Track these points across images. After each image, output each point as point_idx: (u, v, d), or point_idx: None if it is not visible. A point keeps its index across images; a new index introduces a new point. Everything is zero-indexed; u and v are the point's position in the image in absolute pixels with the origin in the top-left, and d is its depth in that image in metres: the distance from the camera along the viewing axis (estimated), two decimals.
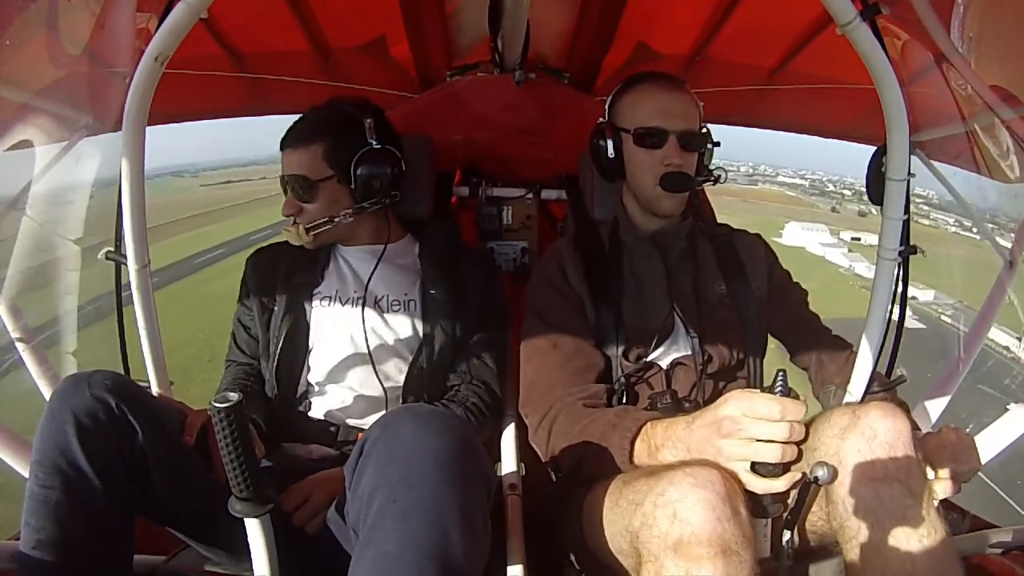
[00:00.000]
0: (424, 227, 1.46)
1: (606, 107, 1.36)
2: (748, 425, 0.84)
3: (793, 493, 0.89)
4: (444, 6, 1.72)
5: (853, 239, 55.84)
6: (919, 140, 1.34)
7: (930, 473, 0.99)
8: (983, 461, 1.12)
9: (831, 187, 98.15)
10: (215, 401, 0.68)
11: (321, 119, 1.32)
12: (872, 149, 1.21)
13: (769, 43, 1.85)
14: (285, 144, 1.32)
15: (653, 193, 1.28)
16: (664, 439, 0.95)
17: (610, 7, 1.71)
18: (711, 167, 1.34)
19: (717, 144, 1.32)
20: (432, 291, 1.34)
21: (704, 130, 1.31)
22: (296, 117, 1.35)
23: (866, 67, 1.02)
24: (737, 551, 0.76)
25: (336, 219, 1.31)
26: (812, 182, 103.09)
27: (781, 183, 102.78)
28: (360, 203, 1.31)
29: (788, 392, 0.84)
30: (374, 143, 1.30)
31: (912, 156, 1.15)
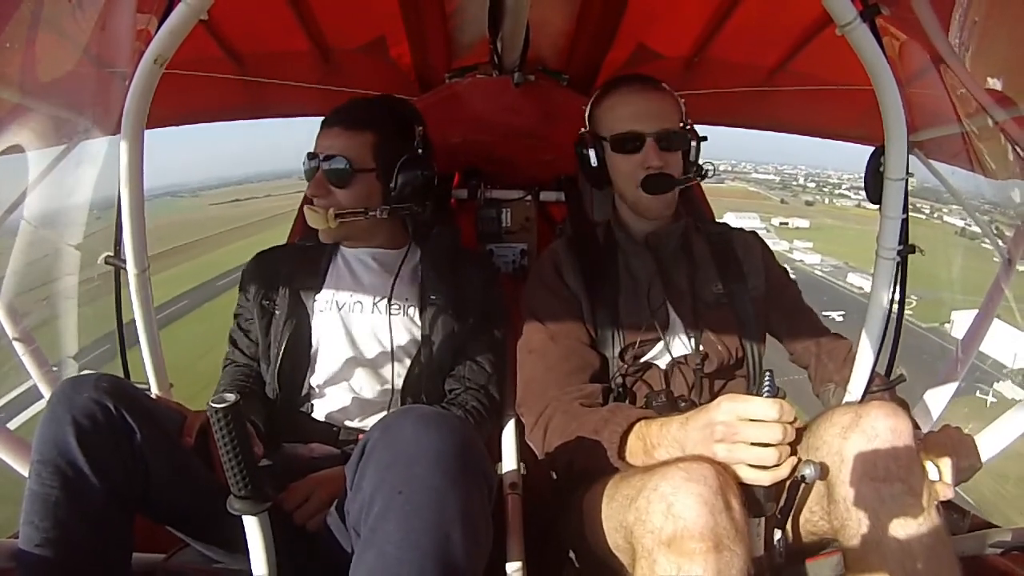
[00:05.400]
0: (425, 231, 1.46)
1: (586, 116, 1.35)
2: (743, 429, 0.84)
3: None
4: (444, 5, 1.73)
5: (781, 223, 68.07)
6: (917, 140, 1.34)
7: (930, 472, 0.99)
8: (983, 460, 1.12)
9: (801, 180, 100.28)
10: (212, 402, 0.69)
11: (379, 111, 1.31)
12: (870, 149, 1.21)
13: (769, 44, 1.85)
14: (334, 123, 1.27)
15: (636, 196, 1.28)
16: (660, 438, 0.96)
17: (611, 7, 1.71)
18: (700, 163, 1.32)
19: (704, 139, 1.31)
20: (432, 296, 1.34)
21: (686, 127, 1.29)
22: (296, 119, 1.35)
23: (865, 68, 1.02)
24: (730, 546, 0.76)
25: (371, 213, 1.28)
26: (783, 177, 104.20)
27: (750, 179, 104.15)
28: (393, 204, 1.29)
29: (776, 393, 0.85)
30: (420, 151, 1.29)
31: (910, 156, 1.15)
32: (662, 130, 1.24)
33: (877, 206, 1.18)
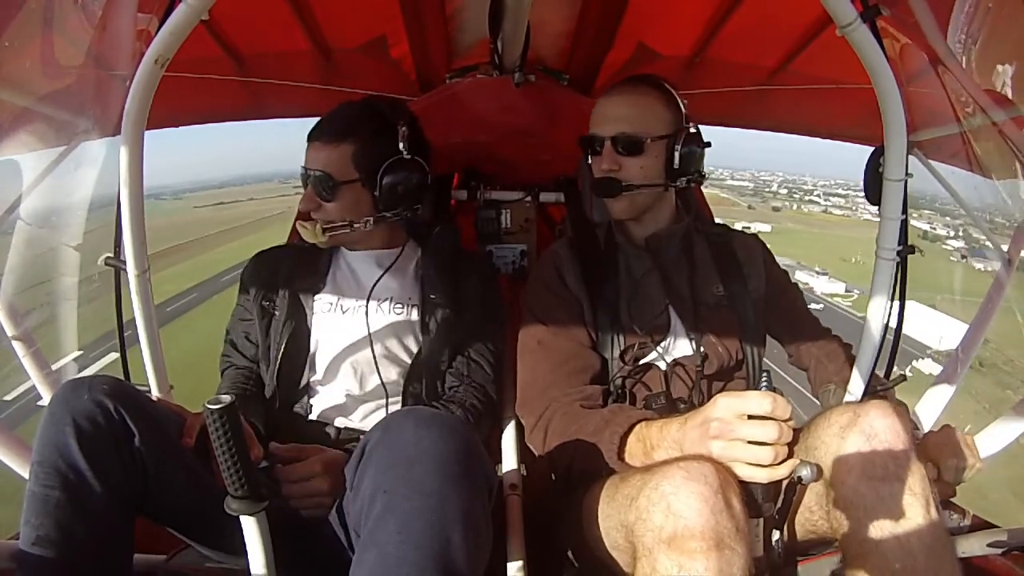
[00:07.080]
0: (426, 232, 1.46)
1: None
2: (738, 427, 0.84)
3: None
4: (445, 6, 1.73)
5: (744, 227, 70.76)
6: (917, 140, 1.34)
7: (930, 472, 0.99)
8: (983, 460, 1.12)
9: (775, 187, 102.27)
10: (208, 403, 0.69)
11: (356, 118, 1.29)
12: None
13: (769, 44, 1.85)
14: (315, 137, 1.29)
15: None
16: (659, 439, 0.96)
17: (611, 7, 1.71)
18: (700, 169, 1.29)
19: (708, 144, 1.29)
20: (432, 296, 1.34)
21: (677, 131, 1.24)
22: (294, 120, 1.34)
23: (865, 69, 1.02)
24: (731, 544, 0.76)
25: (356, 224, 1.29)
26: (757, 184, 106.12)
27: (724, 185, 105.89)
28: (381, 211, 1.29)
29: (773, 392, 0.85)
30: (404, 152, 1.27)
31: (910, 156, 1.15)
32: (618, 134, 1.24)
33: (874, 207, 1.18)
